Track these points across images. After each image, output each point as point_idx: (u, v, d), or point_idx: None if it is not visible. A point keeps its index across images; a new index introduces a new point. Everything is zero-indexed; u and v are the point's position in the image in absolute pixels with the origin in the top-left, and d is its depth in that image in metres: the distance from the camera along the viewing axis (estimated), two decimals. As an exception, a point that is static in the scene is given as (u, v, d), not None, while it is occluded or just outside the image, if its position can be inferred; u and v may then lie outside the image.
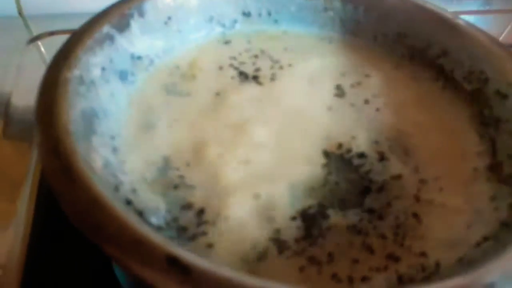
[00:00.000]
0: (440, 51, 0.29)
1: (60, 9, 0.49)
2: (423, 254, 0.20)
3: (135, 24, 0.27)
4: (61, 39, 0.47)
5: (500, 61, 0.26)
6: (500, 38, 0.51)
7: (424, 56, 0.30)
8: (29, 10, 0.49)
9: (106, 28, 0.25)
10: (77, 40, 0.24)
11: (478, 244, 0.19)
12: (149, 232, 0.16)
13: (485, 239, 0.19)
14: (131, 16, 0.27)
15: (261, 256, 0.20)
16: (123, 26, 0.26)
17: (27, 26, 0.48)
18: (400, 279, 0.19)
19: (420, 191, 0.23)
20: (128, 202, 0.20)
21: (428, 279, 0.19)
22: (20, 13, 0.49)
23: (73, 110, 0.20)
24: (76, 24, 0.47)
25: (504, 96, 0.25)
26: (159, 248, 0.16)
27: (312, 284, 0.19)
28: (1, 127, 0.36)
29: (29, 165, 0.33)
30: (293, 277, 0.19)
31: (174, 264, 0.15)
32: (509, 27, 0.51)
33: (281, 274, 0.20)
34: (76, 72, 0.22)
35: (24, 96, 0.40)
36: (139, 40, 0.27)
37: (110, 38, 0.25)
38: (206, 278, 0.15)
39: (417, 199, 0.23)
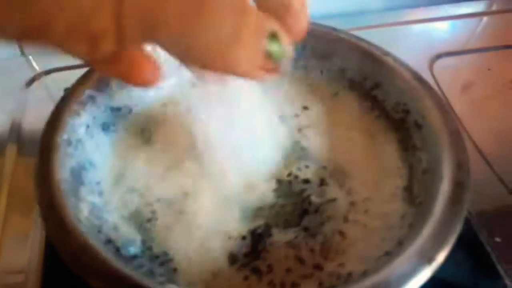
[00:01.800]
0: (373, 83, 0.34)
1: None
2: (341, 265, 0.26)
3: (114, 81, 0.32)
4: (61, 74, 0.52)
5: (418, 95, 0.31)
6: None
7: (361, 87, 0.35)
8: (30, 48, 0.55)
9: (88, 91, 0.31)
10: (63, 105, 0.29)
11: (379, 258, 0.25)
12: (121, 266, 0.22)
13: (386, 253, 0.25)
14: (109, 77, 0.32)
15: (217, 272, 0.26)
16: (102, 87, 0.32)
17: (29, 63, 0.53)
18: (321, 285, 0.25)
19: (349, 212, 0.28)
20: (109, 241, 0.26)
21: (340, 285, 0.24)
22: (22, 52, 0.55)
23: (64, 170, 0.26)
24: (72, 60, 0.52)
25: (420, 127, 0.30)
26: (129, 278, 0.21)
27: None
28: (16, 149, 0.42)
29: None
30: (238, 285, 0.25)
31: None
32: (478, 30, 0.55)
33: (229, 282, 0.25)
34: (64, 137, 0.28)
35: (32, 123, 0.46)
36: (117, 94, 0.33)
37: (92, 98, 0.31)
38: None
39: (345, 219, 0.28)
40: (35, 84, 0.51)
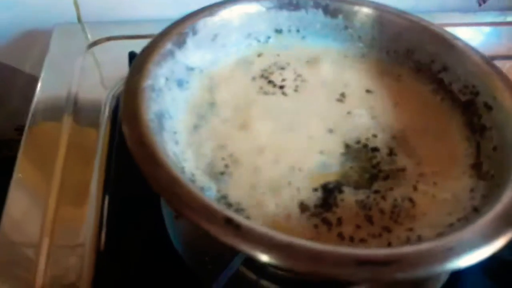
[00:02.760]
0: (441, 66, 0.35)
1: (116, 16, 0.57)
2: (410, 229, 0.26)
3: (190, 41, 0.34)
4: (116, 44, 0.54)
5: (489, 78, 0.31)
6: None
7: (427, 70, 0.36)
8: (88, 17, 0.56)
9: (168, 45, 0.32)
10: (146, 55, 0.30)
11: (451, 224, 0.25)
12: (212, 201, 0.23)
13: (458, 220, 0.25)
14: (187, 34, 0.33)
15: (287, 216, 0.27)
16: (181, 43, 0.33)
17: (85, 32, 0.55)
18: (389, 245, 0.25)
19: (418, 183, 0.29)
20: (192, 181, 0.26)
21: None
22: (79, 19, 0.56)
23: (150, 112, 0.27)
24: (129, 31, 0.54)
25: (490, 108, 0.31)
26: (219, 212, 0.22)
27: (322, 238, 0.25)
28: (72, 117, 0.44)
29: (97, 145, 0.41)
30: (309, 233, 0.26)
31: (229, 223, 0.21)
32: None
33: (300, 230, 0.26)
34: (149, 82, 0.29)
35: (87, 92, 0.47)
36: (192, 54, 0.34)
37: (171, 53, 0.32)
38: (251, 232, 0.21)
39: (415, 188, 0.29)
40: (92, 50, 0.53)
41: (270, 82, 0.35)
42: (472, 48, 0.34)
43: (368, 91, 0.35)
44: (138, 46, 0.33)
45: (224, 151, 0.30)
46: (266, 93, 0.35)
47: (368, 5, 0.37)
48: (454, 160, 0.31)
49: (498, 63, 0.51)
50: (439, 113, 0.34)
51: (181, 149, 0.29)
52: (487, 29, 0.59)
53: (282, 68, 0.37)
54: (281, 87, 0.35)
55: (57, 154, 0.40)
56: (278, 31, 0.38)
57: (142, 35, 0.48)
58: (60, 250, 0.34)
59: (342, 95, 0.35)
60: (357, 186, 0.28)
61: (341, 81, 0.36)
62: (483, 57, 0.33)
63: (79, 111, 0.45)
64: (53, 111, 0.45)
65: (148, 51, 0.31)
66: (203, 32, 0.34)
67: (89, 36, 0.54)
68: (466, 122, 0.32)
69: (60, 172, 0.39)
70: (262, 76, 0.36)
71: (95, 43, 0.53)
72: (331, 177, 0.29)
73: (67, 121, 0.43)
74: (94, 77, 0.50)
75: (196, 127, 0.31)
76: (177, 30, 0.33)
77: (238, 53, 0.37)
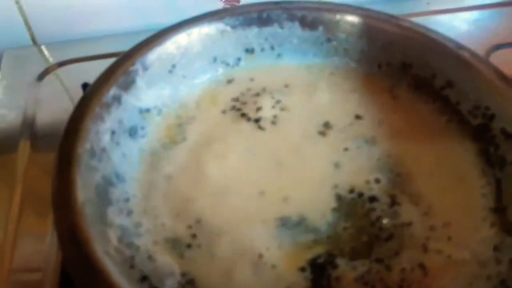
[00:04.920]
0: (445, 82, 0.29)
1: (75, 35, 0.50)
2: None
3: (141, 79, 0.28)
4: (78, 66, 0.48)
5: (505, 98, 0.26)
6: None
7: (429, 86, 0.30)
8: (43, 38, 0.50)
9: (112, 91, 0.26)
10: (84, 109, 0.25)
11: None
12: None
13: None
14: (136, 72, 0.28)
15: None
16: (128, 84, 0.27)
17: (42, 54, 0.49)
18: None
19: (428, 240, 0.24)
20: (144, 278, 0.21)
21: None
22: (33, 41, 0.50)
23: (87, 188, 0.22)
24: (93, 49, 0.47)
25: (510, 136, 0.25)
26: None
27: None
28: (30, 144, 0.38)
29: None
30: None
31: None
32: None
33: None
34: (86, 146, 0.23)
35: (46, 119, 0.41)
36: (145, 94, 0.28)
37: (117, 99, 0.26)
38: None
39: (425, 248, 0.23)
40: (49, 76, 0.47)
41: (243, 115, 0.30)
42: (481, 60, 0.28)
43: (358, 116, 0.30)
44: (102, 66, 0.27)
45: (189, 216, 0.25)
46: (238, 130, 0.29)
47: (352, 12, 0.31)
48: (469, 202, 0.25)
49: (504, 52, 0.46)
50: (446, 138, 0.28)
51: (135, 221, 0.24)
52: (486, 12, 0.53)
53: (257, 95, 0.31)
54: (257, 120, 0.30)
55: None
56: (249, 51, 0.32)
57: (106, 54, 0.42)
58: None
59: (327, 125, 0.29)
60: (354, 256, 0.23)
61: (327, 105, 0.31)
62: (496, 71, 0.27)
63: (36, 140, 0.39)
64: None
65: (86, 102, 0.25)
66: (156, 65, 0.29)
67: (47, 59, 0.48)
68: (480, 151, 0.27)
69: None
70: (233, 108, 0.30)
71: (52, 67, 0.47)
72: (320, 247, 0.23)
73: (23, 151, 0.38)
74: (53, 104, 0.44)
75: (153, 186, 0.26)
76: (122, 69, 0.27)
77: (204, 83, 0.31)
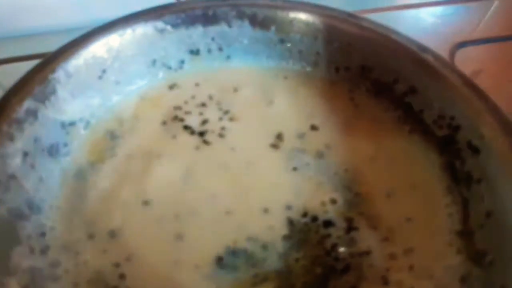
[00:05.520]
0: (408, 87, 0.26)
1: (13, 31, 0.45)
2: None
3: (63, 88, 0.24)
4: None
5: (472, 107, 0.23)
6: (477, 29, 0.47)
7: (390, 91, 0.27)
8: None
9: (26, 104, 0.22)
10: (-11, 127, 0.21)
11: None
12: None
13: None
14: (57, 80, 0.24)
15: None
16: (47, 95, 0.23)
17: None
18: None
19: (389, 271, 0.21)
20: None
21: None
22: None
23: (-16, 227, 0.18)
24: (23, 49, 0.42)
25: (476, 150, 0.23)
26: None
27: None
28: None
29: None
30: None
31: None
32: (486, 16, 0.48)
33: None
34: (-14, 175, 0.19)
35: None
36: (70, 105, 0.24)
37: (33, 113, 0.22)
38: None
39: (385, 281, 0.21)
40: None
41: (186, 127, 0.26)
42: (446, 64, 0.25)
43: (313, 127, 0.27)
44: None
45: (117, 251, 0.21)
46: (180, 145, 0.26)
47: (307, 10, 0.28)
48: (433, 224, 0.23)
49: (469, 50, 0.44)
50: (409, 150, 0.26)
51: (51, 260, 0.20)
52: (451, 8, 0.51)
53: (203, 105, 0.28)
54: (201, 133, 0.26)
55: None
56: (194, 53, 0.29)
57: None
58: None
59: (279, 137, 0.26)
60: (304, 293, 0.20)
61: (280, 114, 0.27)
62: (462, 76, 0.24)
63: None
64: None
65: (-10, 119, 0.21)
66: (82, 71, 0.25)
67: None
68: (445, 165, 0.24)
69: None
70: (175, 118, 0.27)
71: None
72: (269, 284, 0.20)
73: None
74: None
75: (76, 215, 0.22)
76: (39, 78, 0.23)
77: (141, 89, 0.28)
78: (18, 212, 0.20)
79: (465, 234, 0.22)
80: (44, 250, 0.20)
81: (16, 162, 0.21)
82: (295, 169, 0.25)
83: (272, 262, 0.21)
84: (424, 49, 0.26)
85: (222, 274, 0.20)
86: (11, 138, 0.21)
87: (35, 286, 0.19)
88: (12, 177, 0.20)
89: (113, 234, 0.21)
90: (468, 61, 0.42)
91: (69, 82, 0.24)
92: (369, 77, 0.28)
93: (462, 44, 0.42)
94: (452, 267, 0.21)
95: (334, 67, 0.29)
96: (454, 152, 0.24)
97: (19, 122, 0.22)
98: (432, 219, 0.23)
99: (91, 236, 0.21)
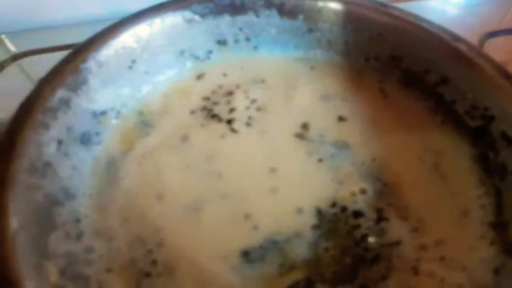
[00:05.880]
0: (439, 78, 0.26)
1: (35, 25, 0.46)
2: None
3: (94, 78, 0.24)
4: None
5: (506, 97, 0.23)
6: (505, 19, 0.46)
7: (421, 82, 0.27)
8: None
9: (59, 93, 0.22)
10: (24, 115, 0.21)
11: None
12: None
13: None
14: (88, 70, 0.24)
15: None
16: (79, 84, 0.24)
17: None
18: None
19: (419, 261, 0.21)
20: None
21: None
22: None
23: (23, 212, 0.18)
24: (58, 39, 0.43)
25: (511, 141, 0.22)
26: None
27: None
28: None
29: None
30: None
31: None
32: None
33: None
34: (24, 163, 0.20)
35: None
36: (101, 95, 0.25)
37: (65, 102, 0.23)
38: None
39: (415, 271, 0.21)
40: (9, 68, 0.43)
41: (214, 116, 0.26)
42: (481, 54, 0.25)
43: (341, 118, 0.26)
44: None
45: (150, 238, 0.21)
46: (209, 133, 0.26)
47: (336, -2, 0.28)
48: (465, 215, 0.23)
49: (499, 40, 0.43)
50: (441, 140, 0.25)
51: (85, 246, 0.21)
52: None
53: (230, 93, 0.28)
54: (229, 121, 0.26)
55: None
56: (222, 43, 0.29)
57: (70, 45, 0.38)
58: None
59: (305, 127, 0.26)
60: (336, 281, 0.20)
61: (307, 104, 0.27)
62: (497, 67, 0.24)
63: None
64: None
65: (25, 108, 0.21)
66: (113, 61, 0.25)
67: (7, 49, 0.44)
68: (478, 157, 0.24)
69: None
70: (204, 108, 0.27)
71: (11, 59, 0.43)
72: (297, 273, 0.20)
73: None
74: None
75: (109, 203, 0.22)
76: (71, 67, 0.23)
77: (170, 79, 0.28)
78: (54, 198, 0.21)
79: (499, 225, 0.21)
80: (79, 236, 0.21)
81: (51, 149, 0.21)
82: (320, 160, 0.24)
83: (302, 252, 0.21)
84: (457, 38, 0.25)
85: (250, 266, 0.20)
86: (46, 127, 0.21)
87: (71, 270, 0.19)
88: (48, 164, 0.21)
89: (145, 221, 0.22)
90: (498, 53, 0.41)
91: (100, 72, 0.25)
92: (399, 67, 0.27)
93: (491, 35, 0.41)
94: (485, 259, 0.21)
95: (364, 57, 0.28)
96: (487, 143, 0.23)
97: (53, 111, 0.22)
98: (464, 210, 0.23)
99: (123, 222, 0.22)
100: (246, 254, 0.21)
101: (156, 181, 0.23)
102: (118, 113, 0.26)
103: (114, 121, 0.25)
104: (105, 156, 0.24)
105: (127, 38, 0.26)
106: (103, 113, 0.25)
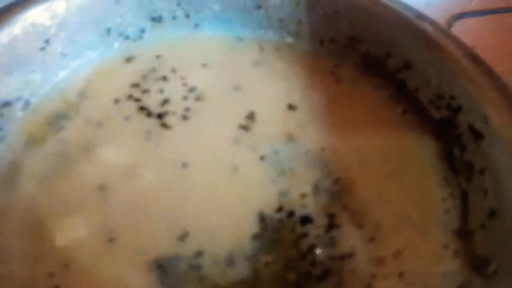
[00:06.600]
0: (402, 62, 0.23)
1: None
2: None
3: (-7, 61, 0.20)
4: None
5: (474, 84, 0.20)
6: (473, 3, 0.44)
7: (382, 67, 0.24)
8: None
9: None
10: None
11: None
12: None
13: None
14: (-15, 51, 0.20)
15: None
16: (-28, 69, 0.19)
17: None
18: None
19: (375, 278, 0.18)
20: None
21: None
22: None
23: None
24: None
25: (478, 136, 0.19)
26: None
27: None
28: None
29: None
30: None
31: None
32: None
33: None
34: None
35: None
36: (4, 82, 0.21)
37: (-49, 91, 0.19)
38: None
39: (369, 289, 0.18)
40: None
41: (142, 108, 0.23)
42: (446, 34, 0.22)
43: (291, 107, 0.23)
44: None
45: (53, 258, 0.18)
46: (133, 128, 0.22)
47: (287, -30, 0.24)
48: (428, 221, 0.20)
49: (466, 22, 0.40)
50: (401, 133, 0.23)
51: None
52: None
53: (164, 79, 0.24)
54: (160, 115, 0.22)
55: None
56: (156, 20, 0.25)
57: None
58: None
59: (251, 117, 0.23)
60: (274, 305, 0.17)
61: (254, 91, 0.24)
62: (465, 48, 0.21)
63: None
64: None
65: None
66: (19, 42, 0.21)
67: None
68: (442, 153, 0.21)
69: None
70: (130, 97, 0.23)
71: None
72: (230, 294, 0.17)
73: None
74: None
75: (5, 215, 0.19)
76: (-40, 47, 0.19)
77: (92, 62, 0.24)
78: None
79: (463, 234, 0.19)
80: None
81: None
82: (268, 153, 0.21)
83: (236, 270, 0.18)
84: (421, 16, 0.22)
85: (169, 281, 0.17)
86: None
87: None
88: None
89: (48, 236, 0.18)
90: (466, 35, 0.38)
91: (3, 55, 0.20)
92: (357, 50, 0.24)
93: (460, 16, 0.39)
94: (449, 275, 0.18)
95: (318, 38, 0.25)
96: (453, 138, 0.21)
97: None
98: (426, 214, 0.20)
99: (21, 239, 0.18)
100: (160, 267, 0.17)
101: (66, 185, 0.19)
102: (26, 104, 0.22)
103: (20, 114, 0.21)
104: (7, 155, 0.20)
105: (39, 14, 0.22)
106: (7, 104, 0.21)
